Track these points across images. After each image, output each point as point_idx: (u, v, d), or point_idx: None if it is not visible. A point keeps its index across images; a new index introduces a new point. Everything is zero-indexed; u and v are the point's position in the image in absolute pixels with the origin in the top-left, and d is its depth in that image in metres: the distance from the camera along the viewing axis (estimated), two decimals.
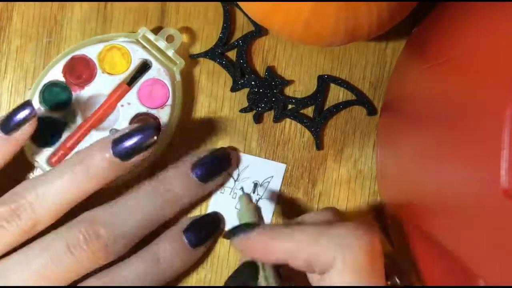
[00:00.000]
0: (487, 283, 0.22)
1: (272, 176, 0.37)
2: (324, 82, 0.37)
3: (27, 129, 0.31)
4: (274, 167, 0.37)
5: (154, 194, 0.33)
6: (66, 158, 0.34)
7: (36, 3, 0.36)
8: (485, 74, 0.22)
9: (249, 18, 0.36)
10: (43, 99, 0.35)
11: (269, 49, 0.37)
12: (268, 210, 0.37)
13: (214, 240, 0.36)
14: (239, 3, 0.32)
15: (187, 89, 0.37)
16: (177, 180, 0.34)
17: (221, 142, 0.37)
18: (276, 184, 0.37)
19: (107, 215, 0.31)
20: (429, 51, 0.30)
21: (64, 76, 0.34)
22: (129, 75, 0.35)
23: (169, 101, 0.35)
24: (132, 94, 0.35)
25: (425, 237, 0.28)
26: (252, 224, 0.27)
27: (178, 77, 0.35)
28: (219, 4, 0.37)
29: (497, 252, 0.20)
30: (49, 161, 0.35)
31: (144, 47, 0.35)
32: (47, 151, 0.35)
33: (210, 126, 0.37)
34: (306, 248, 0.25)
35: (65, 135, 0.35)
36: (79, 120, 0.35)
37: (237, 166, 0.37)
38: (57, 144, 0.35)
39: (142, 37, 0.35)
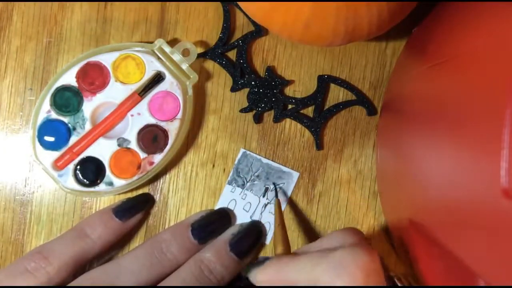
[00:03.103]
0: (487, 283, 0.22)
1: (284, 183, 0.37)
2: (324, 82, 0.37)
3: (139, 217, 0.36)
4: (287, 174, 0.37)
5: (200, 275, 0.33)
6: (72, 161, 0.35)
7: (36, 3, 0.36)
8: (485, 74, 0.22)
9: (249, 18, 0.36)
10: (54, 102, 0.35)
11: (269, 49, 0.37)
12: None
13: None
14: (239, 3, 0.32)
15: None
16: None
17: (221, 142, 0.37)
18: (286, 191, 0.37)
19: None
20: (429, 51, 0.30)
21: (77, 81, 0.35)
22: (142, 86, 0.35)
23: (179, 115, 0.35)
24: (143, 105, 0.35)
25: (425, 236, 0.28)
26: (261, 260, 0.30)
27: (190, 91, 0.35)
28: (219, 4, 0.37)
29: (497, 252, 0.20)
30: (54, 164, 0.35)
31: (159, 58, 0.35)
32: (53, 154, 0.35)
33: (210, 126, 0.37)
34: (307, 275, 0.26)
35: (72, 140, 0.35)
36: (88, 126, 0.35)
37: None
38: (64, 148, 0.35)
39: (158, 48, 0.35)
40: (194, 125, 0.37)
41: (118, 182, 0.35)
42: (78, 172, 0.35)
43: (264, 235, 0.37)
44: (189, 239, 0.34)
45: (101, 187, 0.35)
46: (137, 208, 0.36)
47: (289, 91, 0.37)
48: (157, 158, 0.35)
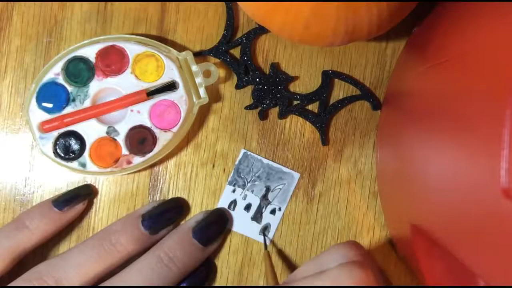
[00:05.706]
0: (487, 283, 0.22)
1: (285, 184, 0.37)
2: (328, 77, 0.37)
3: (80, 207, 0.35)
4: (288, 174, 0.37)
5: (157, 265, 0.33)
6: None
7: (36, 3, 0.37)
8: (485, 74, 0.22)
9: None
10: (67, 68, 0.35)
11: (269, 49, 0.37)
12: (276, 216, 0.37)
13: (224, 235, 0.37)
14: (239, 3, 0.32)
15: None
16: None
17: (221, 142, 0.37)
18: (287, 192, 0.37)
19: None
20: (429, 51, 0.30)
21: (96, 58, 0.35)
22: (153, 87, 0.35)
23: (175, 129, 0.35)
24: (146, 106, 0.35)
25: (425, 236, 0.28)
26: None
27: (195, 111, 0.35)
28: (219, 4, 0.37)
29: (497, 252, 0.20)
30: (40, 125, 0.35)
31: (180, 68, 0.35)
32: (43, 115, 0.35)
33: (210, 126, 0.37)
34: None
35: (67, 110, 0.35)
36: (87, 103, 0.35)
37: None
38: (56, 114, 0.35)
39: (183, 59, 0.35)
40: (194, 124, 0.37)
41: (91, 167, 0.35)
42: (59, 142, 0.35)
43: (229, 222, 0.37)
44: (140, 230, 0.34)
45: (74, 164, 0.35)
46: (76, 198, 0.35)
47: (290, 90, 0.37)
48: (137, 160, 0.35)
